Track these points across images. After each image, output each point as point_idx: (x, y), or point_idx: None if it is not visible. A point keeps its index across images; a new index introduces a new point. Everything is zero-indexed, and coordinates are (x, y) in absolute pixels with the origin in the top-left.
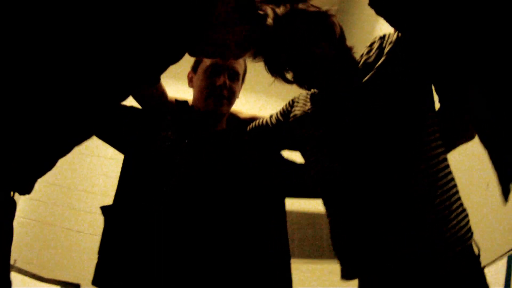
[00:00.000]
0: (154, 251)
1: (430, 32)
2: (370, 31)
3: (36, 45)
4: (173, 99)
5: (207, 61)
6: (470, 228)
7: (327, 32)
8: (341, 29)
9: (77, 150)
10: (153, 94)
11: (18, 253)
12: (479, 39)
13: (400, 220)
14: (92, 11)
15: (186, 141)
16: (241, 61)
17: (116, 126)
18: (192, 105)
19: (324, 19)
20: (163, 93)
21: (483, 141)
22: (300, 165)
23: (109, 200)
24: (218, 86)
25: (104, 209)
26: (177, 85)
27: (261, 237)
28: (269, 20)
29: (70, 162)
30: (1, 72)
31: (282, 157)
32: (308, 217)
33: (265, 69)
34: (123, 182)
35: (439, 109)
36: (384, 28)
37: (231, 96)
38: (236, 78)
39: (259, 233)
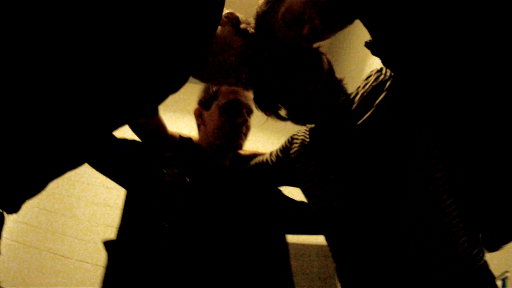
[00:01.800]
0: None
1: (425, 75)
2: (362, 66)
3: (32, 73)
4: (176, 134)
5: (222, 99)
6: (481, 248)
7: (315, 67)
8: (329, 63)
9: (66, 176)
10: (151, 126)
11: (4, 274)
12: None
13: (410, 248)
14: (92, 34)
15: (187, 178)
16: (250, 97)
17: (116, 159)
18: (198, 144)
19: (311, 55)
20: (162, 126)
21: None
22: (300, 202)
23: (95, 227)
24: (238, 124)
25: (107, 244)
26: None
27: (265, 274)
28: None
29: (59, 187)
30: None
31: (283, 195)
32: (299, 248)
33: (257, 108)
34: (126, 217)
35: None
36: (375, 64)
37: (247, 132)
38: (251, 114)
39: (262, 270)
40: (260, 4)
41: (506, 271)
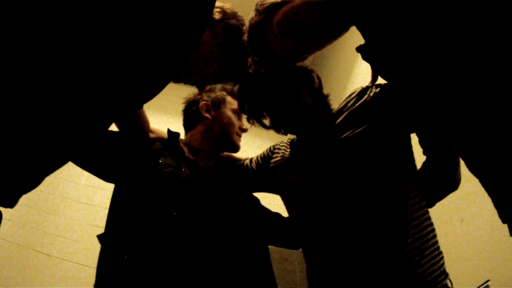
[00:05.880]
0: (163, 276)
1: (416, 83)
2: (347, 76)
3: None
4: (156, 130)
5: (233, 103)
6: (443, 271)
7: (307, 82)
8: (319, 79)
9: (52, 175)
10: (135, 121)
11: None
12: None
13: (374, 263)
14: (81, 38)
15: (184, 170)
16: None
17: (100, 152)
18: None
19: (303, 70)
20: (145, 118)
21: (485, 187)
22: (275, 214)
23: (81, 226)
24: (245, 130)
25: (102, 237)
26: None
27: (247, 278)
28: (252, 67)
29: (43, 185)
30: None
31: (260, 205)
32: (281, 251)
33: (242, 114)
34: (118, 209)
35: (425, 161)
36: (358, 80)
37: None
38: None
39: (244, 274)
40: (251, 16)
41: (488, 280)
